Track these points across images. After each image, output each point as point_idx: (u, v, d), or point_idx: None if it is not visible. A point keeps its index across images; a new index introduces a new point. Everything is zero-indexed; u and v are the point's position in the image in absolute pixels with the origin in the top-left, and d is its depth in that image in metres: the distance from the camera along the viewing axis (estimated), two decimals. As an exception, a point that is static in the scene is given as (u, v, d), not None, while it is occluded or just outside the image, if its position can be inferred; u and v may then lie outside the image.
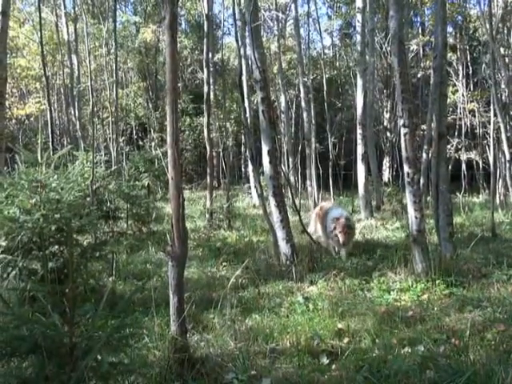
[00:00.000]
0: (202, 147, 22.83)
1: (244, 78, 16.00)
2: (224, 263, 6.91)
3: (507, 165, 7.28)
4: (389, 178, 22.13)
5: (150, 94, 25.52)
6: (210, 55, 17.15)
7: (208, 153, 10.68)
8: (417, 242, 5.87)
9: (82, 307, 2.87)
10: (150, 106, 24.62)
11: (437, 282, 5.53)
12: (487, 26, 7.48)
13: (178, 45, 20.33)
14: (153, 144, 20.03)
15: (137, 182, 10.15)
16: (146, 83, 25.53)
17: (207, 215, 10.42)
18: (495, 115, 13.49)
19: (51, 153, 5.10)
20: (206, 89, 10.77)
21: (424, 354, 3.68)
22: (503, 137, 7.24)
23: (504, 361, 3.06)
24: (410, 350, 3.83)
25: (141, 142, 23.41)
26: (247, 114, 18.65)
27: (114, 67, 15.40)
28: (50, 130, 9.62)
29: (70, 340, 2.69)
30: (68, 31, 19.49)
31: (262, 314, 4.77)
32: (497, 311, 4.66)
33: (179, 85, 22.85)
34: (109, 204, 8.82)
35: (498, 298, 5.03)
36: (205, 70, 11.05)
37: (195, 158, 24.98)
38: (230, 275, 5.91)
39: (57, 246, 4.70)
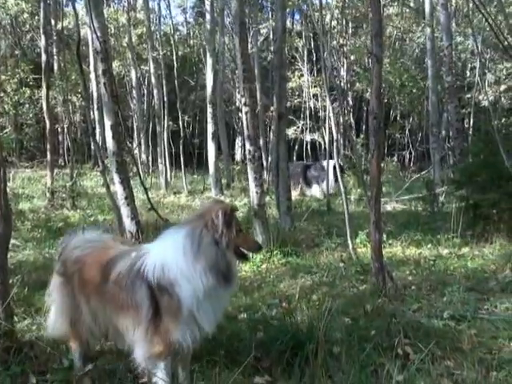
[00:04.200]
0: (44, 122, 21.04)
1: (91, 49, 15.14)
2: (65, 244, 6.54)
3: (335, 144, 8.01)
4: (241, 158, 22.88)
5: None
6: (54, 22, 15.87)
7: (48, 127, 9.94)
8: (257, 215, 6.20)
9: None
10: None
11: (275, 252, 5.94)
12: (319, 17, 8.05)
13: (15, 8, 18.38)
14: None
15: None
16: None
17: (48, 194, 9.72)
18: (334, 101, 14.74)
19: None
20: (44, 58, 9.95)
21: (257, 318, 3.94)
22: (332, 118, 7.94)
23: (323, 316, 3.41)
24: (245, 316, 4.06)
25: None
26: (93, 86, 17.78)
27: None
28: None
29: None
30: None
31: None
32: (324, 275, 5.18)
33: (16, 52, 20.72)
34: None
35: (326, 264, 5.59)
36: (42, 36, 10.19)
37: (37, 133, 22.94)
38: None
39: None
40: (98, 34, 6.07)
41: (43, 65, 10.12)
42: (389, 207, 10.05)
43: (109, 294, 2.79)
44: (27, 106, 21.61)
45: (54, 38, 18.12)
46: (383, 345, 3.31)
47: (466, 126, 18.78)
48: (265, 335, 3.50)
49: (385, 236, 6.56)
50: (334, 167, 10.53)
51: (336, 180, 10.59)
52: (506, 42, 7.30)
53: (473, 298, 4.39)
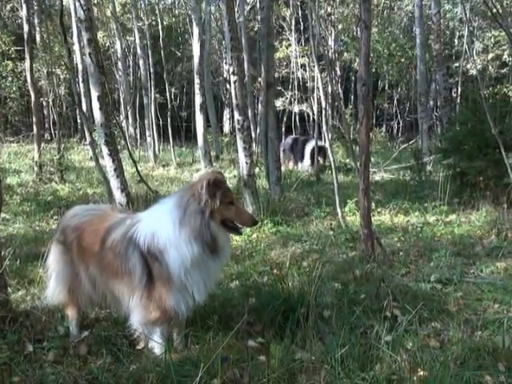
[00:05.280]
0: (29, 96, 20.64)
1: (73, 19, 14.78)
2: (55, 217, 6.54)
3: (324, 112, 7.99)
4: (230, 129, 22.74)
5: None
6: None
7: (33, 100, 9.77)
8: (247, 185, 6.22)
9: None
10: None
11: (265, 221, 5.99)
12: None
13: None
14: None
15: None
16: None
17: (36, 168, 9.64)
18: (323, 70, 14.61)
19: None
20: (26, 28, 9.68)
21: (249, 285, 4.01)
22: (321, 88, 7.86)
23: (313, 281, 3.49)
24: (237, 283, 4.13)
25: None
26: (77, 58, 17.41)
27: None
28: None
29: None
30: None
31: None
32: (314, 243, 5.26)
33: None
34: None
35: (315, 232, 5.66)
36: (23, 6, 9.89)
37: (22, 107, 22.52)
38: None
39: None
40: (82, 2, 5.93)
41: (25, 36, 9.86)
42: (377, 177, 10.13)
43: (105, 261, 2.83)
44: (10, 79, 21.15)
45: (36, 7, 17.63)
46: (372, 308, 3.41)
47: (454, 95, 18.80)
48: (257, 301, 3.57)
49: (373, 205, 6.64)
50: (313, 150, 10.72)
51: (312, 163, 10.99)
52: (494, 10, 7.26)
53: (459, 262, 4.50)
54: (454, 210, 6.52)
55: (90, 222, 3.01)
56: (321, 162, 10.83)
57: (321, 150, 10.66)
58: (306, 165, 11.56)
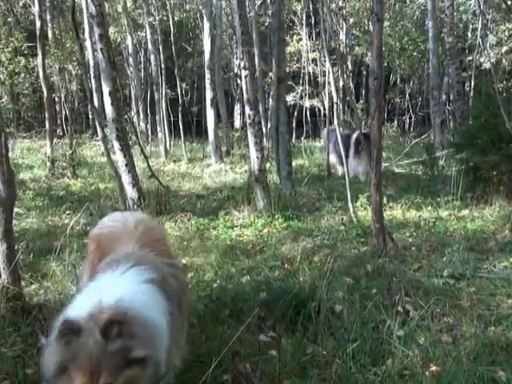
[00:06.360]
0: (41, 92, 20.76)
1: (85, 15, 14.85)
2: (68, 211, 6.60)
3: (335, 106, 7.94)
4: (240, 125, 22.71)
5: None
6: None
7: (45, 96, 9.84)
8: (258, 180, 6.22)
9: None
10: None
11: (276, 216, 5.98)
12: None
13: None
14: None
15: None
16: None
17: (48, 164, 9.72)
18: (334, 65, 14.53)
19: None
20: (38, 24, 9.74)
21: (260, 280, 4.01)
22: (332, 82, 7.81)
23: (324, 276, 3.48)
24: (248, 278, 4.13)
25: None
26: (89, 54, 17.51)
27: None
28: None
29: None
30: None
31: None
32: (325, 238, 5.24)
33: (9, 20, 20.31)
34: None
35: (327, 227, 5.63)
36: (36, 2, 9.95)
37: (34, 103, 22.67)
38: (74, 223, 5.68)
39: None
40: (93, -2, 5.95)
41: (37, 32, 9.93)
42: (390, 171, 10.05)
43: None
44: (23, 75, 21.30)
45: (48, 4, 17.72)
46: (384, 303, 3.39)
47: (467, 89, 18.58)
48: (268, 295, 3.57)
49: (385, 199, 6.60)
50: (357, 141, 8.64)
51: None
52: (509, 1, 7.16)
53: (472, 257, 4.45)
54: (467, 204, 6.45)
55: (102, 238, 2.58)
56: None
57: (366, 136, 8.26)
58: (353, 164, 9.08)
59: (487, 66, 17.25)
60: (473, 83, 16.47)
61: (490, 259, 4.47)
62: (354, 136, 9.21)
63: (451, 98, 13.99)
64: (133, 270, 2.07)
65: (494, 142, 6.53)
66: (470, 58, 18.06)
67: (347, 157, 7.99)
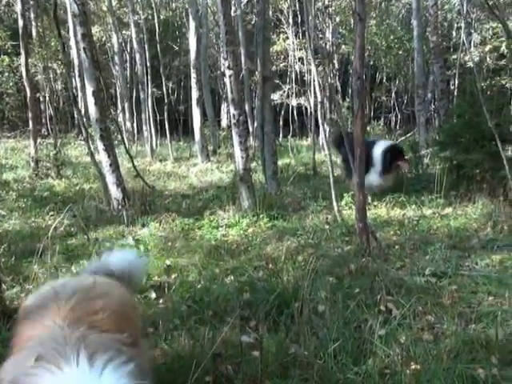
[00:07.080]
0: (25, 91, 20.53)
1: (69, 13, 14.68)
2: (51, 212, 6.53)
3: (321, 105, 7.96)
4: (227, 124, 22.65)
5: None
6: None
7: (29, 95, 9.73)
8: (243, 180, 6.21)
9: None
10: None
11: (261, 216, 5.98)
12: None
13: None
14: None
15: None
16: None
17: (32, 164, 9.62)
18: (320, 64, 14.58)
19: None
20: (21, 22, 9.63)
21: (243, 280, 4.01)
22: (317, 81, 7.78)
23: (308, 276, 3.49)
24: (232, 278, 4.12)
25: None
26: (73, 53, 17.33)
27: None
28: None
29: None
30: None
31: (90, 259, 4.66)
32: (309, 238, 5.25)
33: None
34: None
35: (311, 227, 5.64)
36: (18, 1, 9.83)
37: (19, 103, 22.40)
38: (58, 225, 5.62)
39: None
40: (75, -4, 5.89)
41: (20, 31, 9.82)
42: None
43: None
44: (6, 74, 21.04)
45: (31, 2, 17.50)
46: (366, 302, 3.41)
47: (452, 87, 18.75)
48: (251, 296, 3.58)
49: (369, 198, 6.64)
50: (386, 153, 7.28)
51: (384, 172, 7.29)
52: (491, 1, 7.24)
53: (454, 255, 4.50)
54: (451, 202, 6.51)
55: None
56: (404, 168, 7.56)
57: (401, 152, 7.50)
58: (375, 177, 7.36)
59: (471, 64, 17.40)
60: (457, 82, 16.64)
61: (472, 257, 4.52)
62: (382, 146, 7.51)
63: (436, 96, 14.09)
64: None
65: (477, 140, 6.60)
66: (455, 56, 18.20)
67: (367, 171, 6.45)
